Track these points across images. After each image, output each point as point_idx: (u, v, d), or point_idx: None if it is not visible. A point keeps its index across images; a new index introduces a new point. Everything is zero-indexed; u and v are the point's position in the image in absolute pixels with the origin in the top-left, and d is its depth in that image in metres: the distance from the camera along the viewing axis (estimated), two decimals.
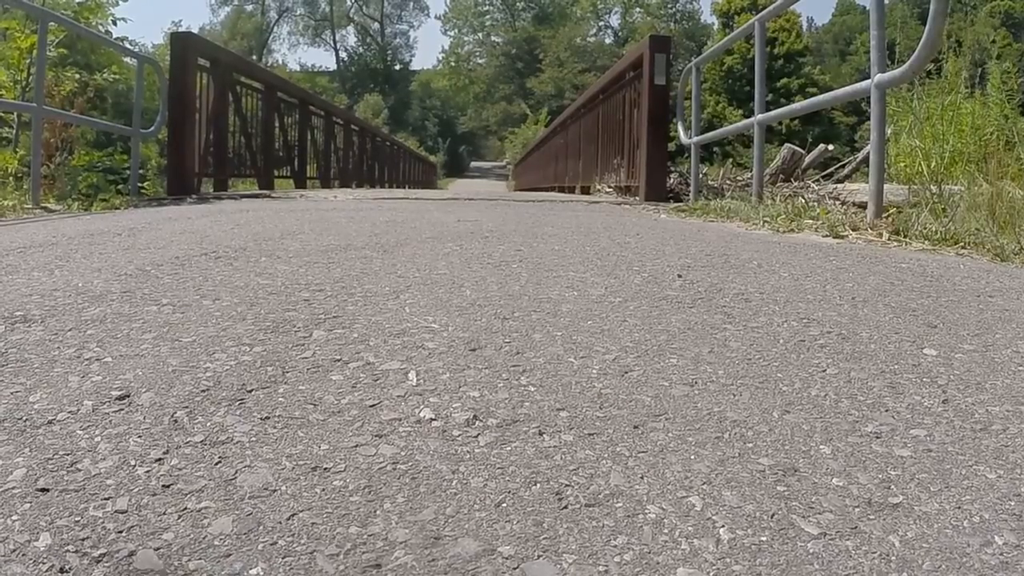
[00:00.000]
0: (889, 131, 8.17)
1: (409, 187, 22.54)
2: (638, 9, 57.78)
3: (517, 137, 35.50)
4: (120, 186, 6.93)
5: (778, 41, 50.18)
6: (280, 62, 61.27)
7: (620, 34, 58.66)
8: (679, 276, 1.78)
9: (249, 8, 59.26)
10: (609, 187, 7.76)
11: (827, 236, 2.87)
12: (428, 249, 2.18)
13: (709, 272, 1.86)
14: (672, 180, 6.65)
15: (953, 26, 37.40)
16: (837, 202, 6.85)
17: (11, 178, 6.37)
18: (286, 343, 1.18)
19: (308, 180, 10.54)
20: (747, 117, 26.92)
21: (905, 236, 2.67)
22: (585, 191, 9.37)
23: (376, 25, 60.43)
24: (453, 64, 57.09)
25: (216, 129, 7.13)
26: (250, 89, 8.22)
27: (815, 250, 2.35)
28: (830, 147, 8.69)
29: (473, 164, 62.73)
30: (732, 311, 1.43)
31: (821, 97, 5.21)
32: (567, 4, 56.92)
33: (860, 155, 8.07)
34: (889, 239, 2.65)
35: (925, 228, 2.71)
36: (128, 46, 24.50)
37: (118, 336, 1.26)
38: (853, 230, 2.86)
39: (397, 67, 60.44)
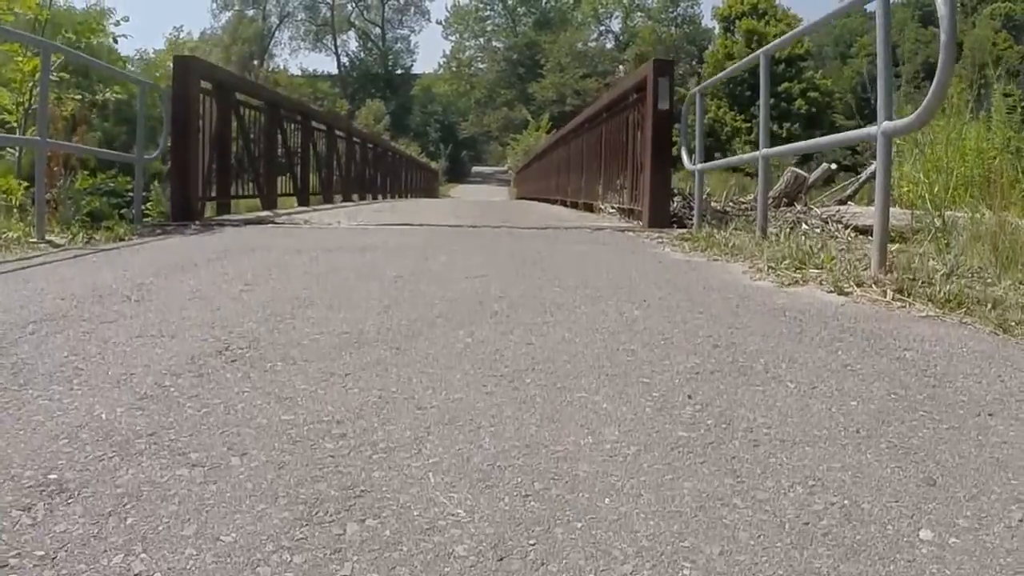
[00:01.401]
0: (893, 151, 8.19)
1: (412, 195, 22.60)
2: (639, 13, 57.89)
3: (519, 144, 35.49)
4: (124, 210, 6.93)
5: None
6: (281, 67, 61.46)
7: (621, 38, 58.74)
8: (689, 398, 1.76)
9: (250, 13, 59.29)
10: (612, 208, 7.76)
11: (831, 292, 2.87)
12: (441, 345, 2.15)
13: (718, 386, 1.84)
14: (675, 204, 6.64)
15: None
16: (840, 225, 6.86)
17: (16, 207, 6.38)
18: (325, 550, 1.14)
19: (311, 196, 10.56)
20: (747, 123, 27.51)
21: (909, 296, 2.67)
22: (588, 208, 9.36)
23: (377, 30, 60.51)
24: (454, 69, 57.16)
25: (219, 151, 7.15)
26: (252, 108, 8.23)
27: (820, 329, 2.33)
28: (833, 165, 8.68)
29: (475, 169, 62.78)
30: (741, 469, 1.41)
31: (826, 139, 5.20)
32: (568, 9, 57.00)
33: (864, 175, 8.07)
34: (893, 299, 2.65)
35: (928, 288, 2.70)
36: (130, 69, 24.50)
37: (158, 532, 1.16)
38: (858, 286, 2.85)
39: (399, 71, 60.52)
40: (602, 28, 59.46)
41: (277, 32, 60.80)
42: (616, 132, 7.72)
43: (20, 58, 7.11)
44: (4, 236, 4.83)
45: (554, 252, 4.19)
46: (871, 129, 3.32)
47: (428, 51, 68.61)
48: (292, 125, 9.67)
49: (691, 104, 6.10)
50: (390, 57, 57.80)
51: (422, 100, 56.25)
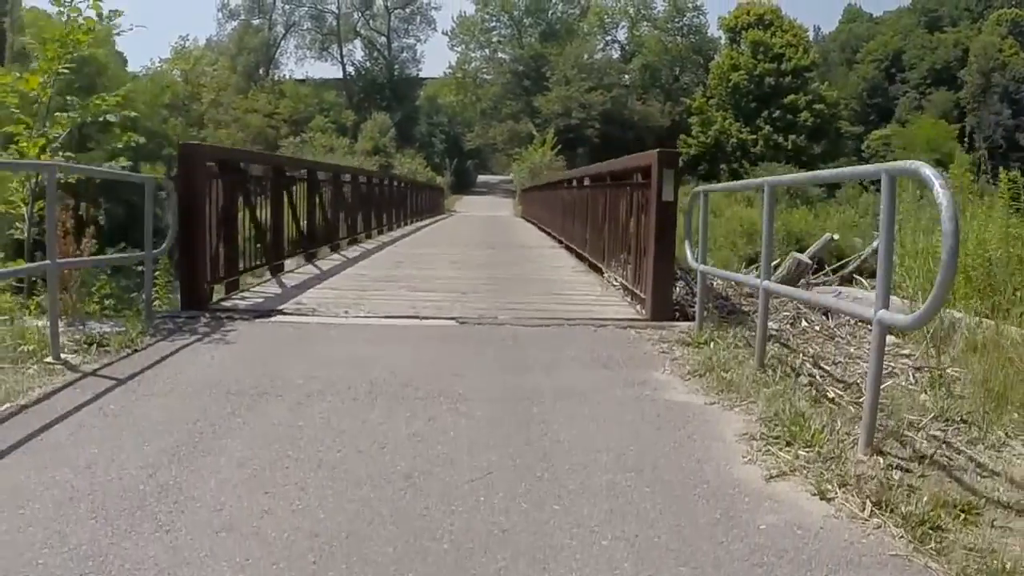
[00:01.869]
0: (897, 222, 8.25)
1: (419, 219, 22.75)
2: (645, 23, 57.95)
3: (524, 161, 35.58)
4: (134, 293, 7.02)
5: (785, 57, 50.13)
6: (288, 76, 61.59)
7: (627, 48, 58.82)
8: None
9: (256, 22, 59.44)
10: (617, 281, 7.82)
11: (815, 495, 2.91)
12: None
13: None
14: (678, 290, 6.70)
15: (960, 34, 37.55)
16: (840, 319, 6.92)
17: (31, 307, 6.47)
18: None
19: (318, 248, 10.69)
20: (753, 134, 27.71)
21: (887, 509, 2.74)
22: (595, 268, 9.39)
23: (383, 39, 60.59)
24: (460, 78, 57.30)
25: (225, 229, 7.23)
26: (259, 179, 8.33)
27: None
28: (835, 236, 8.77)
29: (480, 179, 62.90)
30: None
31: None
32: (574, 20, 57.11)
33: (867, 251, 8.14)
34: (870, 515, 2.72)
35: (907, 503, 2.76)
36: (137, 76, 24.54)
37: None
38: (840, 487, 2.91)
39: (405, 76, 60.61)
40: (608, 38, 59.64)
41: (283, 41, 60.97)
42: (621, 206, 7.77)
43: (24, 143, 7.18)
44: (20, 348, 4.92)
45: (555, 404, 4.19)
46: (867, 313, 3.36)
47: (434, 61, 68.94)
48: (296, 186, 9.76)
49: (695, 201, 6.14)
50: (396, 67, 57.81)
51: (428, 111, 56.32)
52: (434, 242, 14.11)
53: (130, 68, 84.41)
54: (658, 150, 6.21)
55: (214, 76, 57.71)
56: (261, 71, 57.18)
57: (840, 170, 4.51)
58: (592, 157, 43.62)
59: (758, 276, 4.83)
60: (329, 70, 64.00)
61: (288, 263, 9.25)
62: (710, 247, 31.02)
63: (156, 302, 6.60)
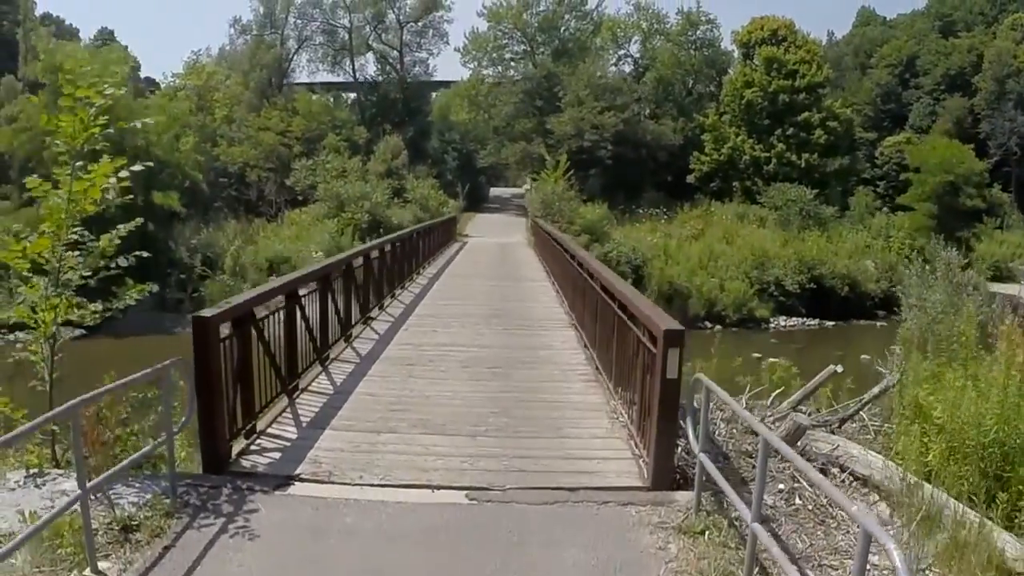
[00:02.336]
0: (896, 379, 8.42)
1: (429, 263, 23.00)
2: (658, 37, 57.94)
3: (537, 192, 35.79)
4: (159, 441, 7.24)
5: (799, 74, 50.05)
6: (305, 78, 62.01)
7: (640, 62, 58.83)
8: None
9: (268, 37, 59.74)
10: (623, 418, 8.02)
11: None
12: None
13: None
14: (679, 450, 6.88)
15: (974, 39, 37.71)
16: (838, 470, 7.12)
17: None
18: None
19: (332, 347, 10.93)
20: (766, 152, 28.19)
21: None
22: (601, 370, 9.57)
23: (395, 53, 60.79)
24: (472, 95, 57.52)
25: (242, 380, 7.46)
26: (272, 311, 8.56)
27: None
28: (839, 368, 8.90)
29: (493, 192, 63.21)
30: None
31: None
32: (587, 36, 57.17)
33: (867, 396, 8.30)
34: None
35: None
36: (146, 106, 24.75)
37: None
38: None
39: (419, 81, 60.85)
40: (621, 52, 59.66)
41: (295, 56, 61.26)
42: (629, 341, 7.89)
43: (43, 312, 7.35)
44: (58, 551, 5.19)
45: None
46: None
47: (446, 73, 69.03)
48: (308, 297, 9.96)
49: (696, 387, 6.32)
50: (408, 82, 58.03)
51: (440, 127, 56.56)
52: (443, 318, 14.31)
53: (143, 72, 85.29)
54: (665, 329, 6.30)
55: (226, 92, 58.25)
56: (273, 81, 57.44)
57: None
58: (605, 178, 43.85)
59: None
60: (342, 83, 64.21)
61: (303, 378, 9.46)
62: (722, 276, 31.28)
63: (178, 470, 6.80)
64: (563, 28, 56.99)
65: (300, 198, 42.98)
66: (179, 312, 28.94)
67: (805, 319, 32.03)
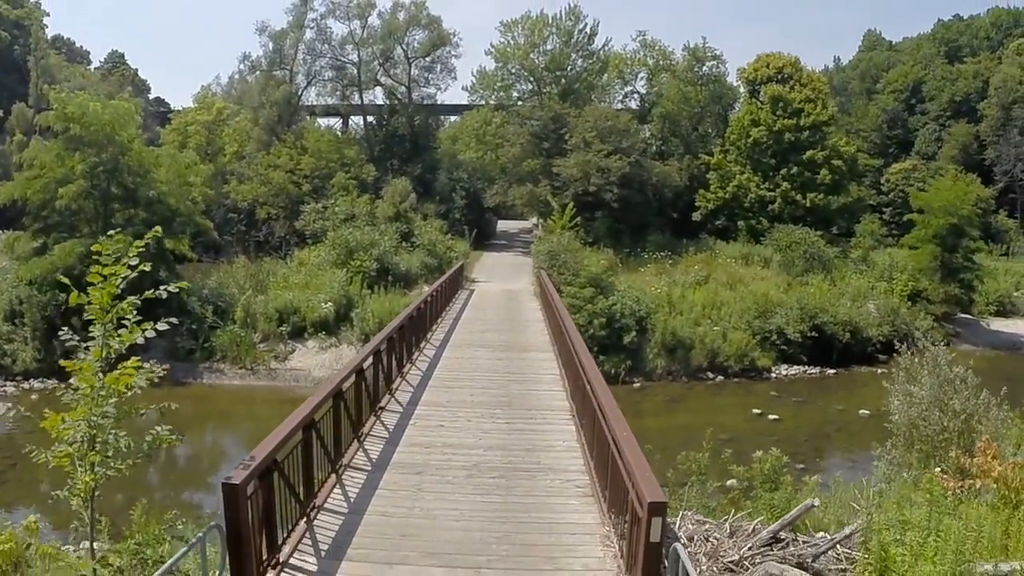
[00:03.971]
0: (865, 524, 9.01)
1: (439, 314, 23.66)
2: (664, 74, 58.69)
3: (543, 243, 36.49)
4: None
5: (803, 112, 50.71)
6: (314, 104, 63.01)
7: (646, 98, 59.59)
8: None
9: (278, 73, 60.71)
10: (613, 546, 8.60)
11: None
12: None
13: None
14: None
15: (980, 65, 38.70)
16: None
17: None
18: None
19: (344, 454, 11.56)
20: (771, 191, 29.73)
21: None
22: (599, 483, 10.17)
23: (403, 88, 61.70)
24: (480, 134, 58.44)
25: (267, 521, 8.10)
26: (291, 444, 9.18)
27: None
28: (815, 503, 9.48)
29: (500, 227, 63.89)
30: None
31: None
32: (593, 76, 57.96)
33: (838, 535, 8.88)
34: None
35: None
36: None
37: None
38: None
39: (426, 102, 61.78)
40: (628, 89, 60.46)
41: (304, 92, 62.23)
42: (620, 487, 8.51)
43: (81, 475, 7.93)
44: None
45: None
46: None
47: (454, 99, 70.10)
48: (323, 419, 10.57)
49: (674, 563, 6.90)
50: (416, 120, 58.92)
51: (448, 166, 57.34)
52: (450, 407, 14.95)
53: (153, 93, 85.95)
54: (650, 501, 6.89)
55: (236, 127, 59.29)
56: (282, 117, 58.32)
57: None
58: (610, 220, 44.48)
59: None
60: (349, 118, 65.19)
61: (319, 495, 10.06)
62: (725, 324, 31.78)
63: None
64: (570, 68, 57.82)
65: (310, 240, 43.73)
66: (190, 362, 29.73)
67: (806, 367, 32.56)
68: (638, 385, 29.61)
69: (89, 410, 7.62)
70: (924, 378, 13.76)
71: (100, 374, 7.70)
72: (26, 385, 28.60)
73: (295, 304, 31.63)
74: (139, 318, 8.11)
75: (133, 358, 7.86)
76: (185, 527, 10.95)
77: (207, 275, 36.98)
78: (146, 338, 8.32)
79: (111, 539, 10.52)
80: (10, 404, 26.19)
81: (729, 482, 16.92)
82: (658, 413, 27.20)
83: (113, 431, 7.90)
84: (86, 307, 7.92)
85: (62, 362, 7.99)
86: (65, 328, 8.97)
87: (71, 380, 8.10)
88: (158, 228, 9.00)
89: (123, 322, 8.08)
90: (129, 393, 7.86)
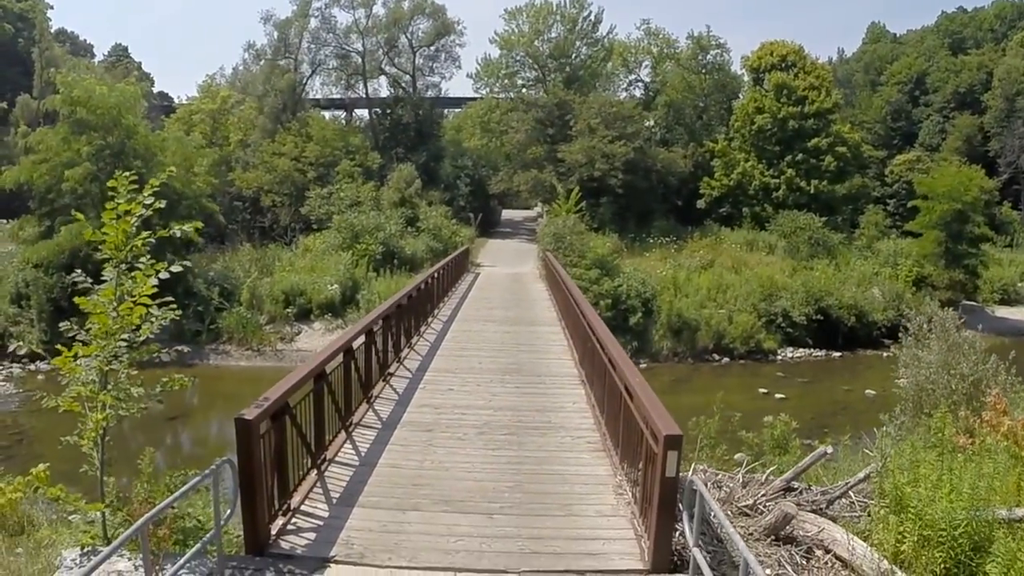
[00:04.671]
0: (880, 466, 9.00)
1: (446, 293, 23.71)
2: (668, 62, 58.66)
3: (549, 226, 36.45)
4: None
5: (808, 100, 50.64)
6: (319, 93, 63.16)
7: (650, 87, 59.55)
8: None
9: (282, 62, 60.68)
10: (626, 493, 8.61)
11: None
12: None
13: None
14: (677, 534, 7.46)
15: (984, 57, 38.61)
16: (822, 551, 7.72)
17: None
18: None
19: (355, 412, 11.58)
20: (776, 178, 29.68)
21: None
22: (611, 438, 10.20)
23: (407, 77, 61.66)
24: (485, 123, 58.40)
25: (278, 466, 8.12)
26: (302, 393, 9.19)
27: None
28: (828, 450, 9.48)
29: (504, 215, 63.87)
30: None
31: None
32: (597, 63, 57.93)
33: (852, 480, 8.88)
34: None
35: None
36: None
37: None
38: None
39: (431, 97, 61.74)
40: (632, 77, 60.42)
41: (309, 81, 62.23)
42: (634, 433, 8.52)
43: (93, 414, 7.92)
44: None
45: None
46: None
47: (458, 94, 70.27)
48: (335, 372, 10.58)
49: (691, 494, 6.90)
50: (422, 98, 58.85)
51: (453, 153, 57.32)
52: (459, 373, 14.96)
53: (156, 87, 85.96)
54: (666, 434, 6.88)
55: (240, 115, 59.27)
56: (287, 105, 58.26)
57: None
58: (615, 206, 44.46)
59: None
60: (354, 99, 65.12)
61: (330, 448, 10.08)
62: (731, 307, 31.79)
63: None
64: (574, 55, 57.81)
65: (315, 226, 43.72)
66: (197, 344, 29.75)
67: (812, 350, 32.58)
68: (644, 366, 29.57)
69: (102, 348, 7.61)
70: (932, 343, 13.74)
71: (114, 313, 7.68)
72: (32, 367, 28.57)
73: (301, 286, 31.69)
74: (152, 260, 8.09)
75: (150, 285, 7.76)
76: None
77: (213, 261, 37.03)
78: (145, 206, 8.13)
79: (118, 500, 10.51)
80: (20, 388, 26.24)
81: (737, 455, 16.92)
82: (664, 393, 26.81)
83: (125, 371, 7.88)
84: (99, 246, 7.91)
85: (76, 299, 7.97)
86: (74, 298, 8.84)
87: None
88: (172, 168, 8.96)
89: (136, 265, 8.05)
90: (143, 336, 7.84)
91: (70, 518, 10.03)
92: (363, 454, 10.32)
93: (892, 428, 13.77)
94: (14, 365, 28.90)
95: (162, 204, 8.00)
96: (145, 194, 7.88)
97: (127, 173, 8.10)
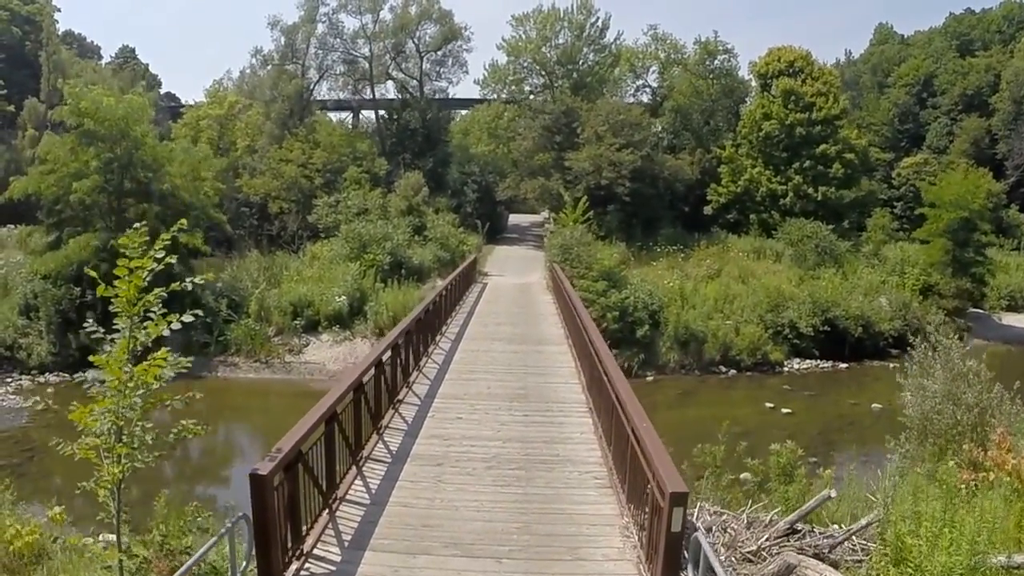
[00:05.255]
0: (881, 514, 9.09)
1: (454, 307, 23.86)
2: (676, 67, 58.69)
3: (556, 237, 36.53)
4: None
5: (815, 107, 50.63)
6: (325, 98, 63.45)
7: (657, 92, 59.61)
8: None
9: (290, 67, 60.85)
10: (632, 536, 8.71)
11: None
12: None
13: None
14: None
15: (991, 59, 38.57)
16: None
17: None
18: None
19: (365, 446, 11.70)
20: (783, 184, 30.12)
21: None
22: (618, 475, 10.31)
23: (415, 82, 61.80)
24: (492, 128, 58.49)
25: (291, 514, 8.24)
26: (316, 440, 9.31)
27: None
28: (832, 493, 9.57)
29: (511, 221, 63.96)
30: None
31: None
32: (605, 69, 57.98)
33: (855, 526, 8.98)
34: None
35: None
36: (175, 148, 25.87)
37: None
38: None
39: (439, 94, 61.91)
40: (639, 83, 60.48)
41: (316, 87, 62.43)
42: (639, 478, 8.63)
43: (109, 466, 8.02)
44: None
45: None
46: None
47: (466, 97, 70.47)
48: (345, 411, 10.69)
49: (696, 550, 7.00)
50: (428, 114, 58.93)
51: (460, 159, 57.44)
52: (467, 399, 15.09)
53: (164, 88, 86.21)
54: (671, 491, 7.00)
55: (248, 120, 59.49)
56: (294, 111, 58.42)
57: None
58: (622, 214, 44.55)
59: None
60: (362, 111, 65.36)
61: (341, 487, 10.20)
62: (738, 318, 31.84)
63: None
64: (581, 61, 57.83)
65: (322, 234, 43.87)
66: (204, 355, 29.89)
67: (819, 361, 32.61)
68: (651, 378, 29.71)
69: (117, 402, 7.73)
70: (937, 372, 13.81)
71: (128, 367, 7.81)
72: (41, 379, 28.75)
73: (309, 297, 31.82)
74: (164, 311, 8.21)
75: (163, 348, 7.95)
76: (207, 520, 11.10)
77: (220, 270, 37.17)
78: (171, 330, 8.40)
79: (131, 531, 10.65)
80: (36, 398, 26.39)
81: (743, 475, 17.05)
82: (671, 407, 27.30)
83: (140, 423, 8.00)
84: (113, 300, 8.03)
85: (91, 357, 8.09)
86: (90, 320, 9.06)
87: (89, 372, 8.20)
88: (183, 220, 9.11)
89: (149, 314, 8.18)
90: (157, 385, 7.96)
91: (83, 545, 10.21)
92: (373, 492, 10.43)
93: (897, 458, 13.89)
94: (23, 377, 29.06)
95: (173, 260, 8.11)
96: (156, 248, 8.01)
97: (137, 225, 8.20)
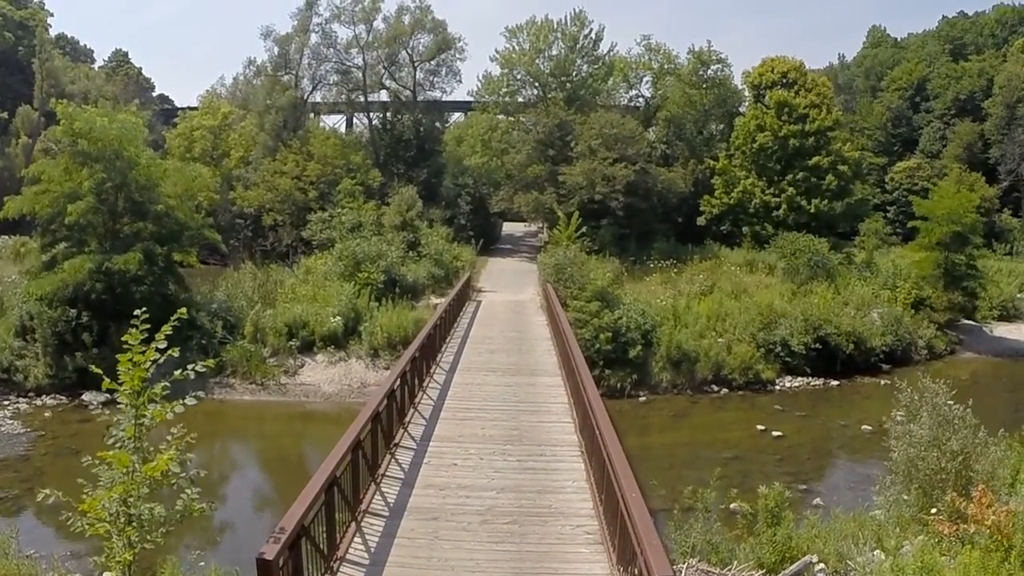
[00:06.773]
0: None
1: (448, 333, 24.09)
2: (669, 77, 58.97)
3: (549, 255, 36.80)
4: None
5: (809, 118, 50.92)
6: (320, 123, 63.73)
7: (651, 102, 59.91)
8: None
9: (283, 78, 61.01)
10: None
11: None
12: None
13: None
14: None
15: (985, 63, 39.04)
16: None
17: None
18: None
19: (363, 499, 11.94)
20: (776, 196, 30.90)
21: None
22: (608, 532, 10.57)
23: (408, 92, 62.00)
24: (485, 140, 58.70)
25: None
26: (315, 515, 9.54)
27: None
28: (813, 558, 9.84)
29: (505, 230, 64.24)
30: None
31: None
32: (598, 81, 58.23)
33: None
34: None
35: None
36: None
37: None
38: None
39: (432, 98, 62.33)
40: (633, 93, 60.80)
41: (309, 97, 62.59)
42: (628, 549, 8.89)
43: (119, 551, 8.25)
44: None
45: None
46: None
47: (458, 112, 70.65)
48: (344, 473, 10.93)
49: None
50: (422, 125, 59.16)
51: (454, 171, 57.66)
52: (462, 443, 15.33)
53: (156, 90, 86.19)
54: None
55: (241, 131, 59.66)
56: (288, 123, 58.55)
57: None
58: (616, 228, 44.83)
59: None
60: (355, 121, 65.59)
61: (340, 546, 10.44)
62: (730, 336, 32.10)
63: None
64: (575, 73, 58.08)
65: (316, 250, 44.06)
66: (201, 378, 29.95)
67: (810, 379, 32.80)
68: (644, 399, 29.95)
69: (125, 490, 7.98)
70: (923, 418, 14.10)
71: (135, 460, 8.06)
72: (39, 402, 28.82)
73: (304, 318, 31.96)
74: (167, 393, 8.48)
75: (177, 402, 8.21)
76: None
77: (214, 282, 37.31)
78: (159, 351, 8.55)
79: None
80: (27, 425, 26.51)
81: (732, 506, 17.39)
82: (663, 429, 27.58)
83: (148, 506, 8.25)
84: (119, 390, 8.29)
85: (100, 453, 8.34)
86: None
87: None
88: (182, 311, 9.34)
89: (153, 398, 8.44)
90: (166, 483, 8.24)
91: None
92: (373, 551, 10.68)
93: (882, 500, 14.22)
94: (20, 400, 29.13)
95: (175, 352, 8.37)
96: (158, 339, 8.27)
97: (137, 311, 8.46)
